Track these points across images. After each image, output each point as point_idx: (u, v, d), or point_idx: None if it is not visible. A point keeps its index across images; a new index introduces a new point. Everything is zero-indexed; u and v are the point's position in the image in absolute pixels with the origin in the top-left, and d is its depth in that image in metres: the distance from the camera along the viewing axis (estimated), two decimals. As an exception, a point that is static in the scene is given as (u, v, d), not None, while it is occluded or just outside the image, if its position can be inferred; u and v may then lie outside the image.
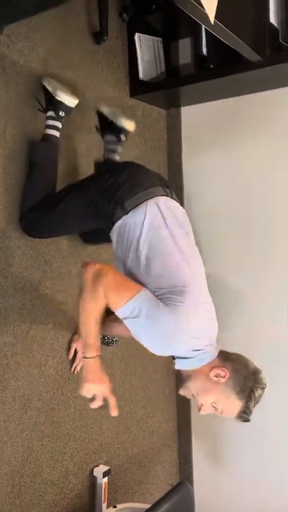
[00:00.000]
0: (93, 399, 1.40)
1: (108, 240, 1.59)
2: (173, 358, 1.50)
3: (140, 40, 2.23)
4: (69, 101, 1.74)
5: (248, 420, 1.48)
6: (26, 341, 1.81)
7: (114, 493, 2.23)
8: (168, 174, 2.55)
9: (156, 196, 1.50)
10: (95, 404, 1.33)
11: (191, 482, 2.72)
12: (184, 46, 2.43)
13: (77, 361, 1.97)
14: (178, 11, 1.38)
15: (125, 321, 1.39)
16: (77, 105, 1.81)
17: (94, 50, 2.05)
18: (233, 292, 2.39)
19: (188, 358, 1.44)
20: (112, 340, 2.05)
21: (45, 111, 1.76)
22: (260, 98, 2.25)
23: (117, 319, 1.44)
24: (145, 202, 1.47)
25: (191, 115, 2.49)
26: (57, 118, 1.75)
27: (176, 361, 1.48)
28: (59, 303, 1.94)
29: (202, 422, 2.66)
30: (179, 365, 1.47)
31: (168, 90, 2.28)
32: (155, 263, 1.41)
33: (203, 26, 1.58)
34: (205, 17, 1.37)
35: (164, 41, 2.37)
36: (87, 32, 2.00)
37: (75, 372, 1.91)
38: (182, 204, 1.64)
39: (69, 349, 1.98)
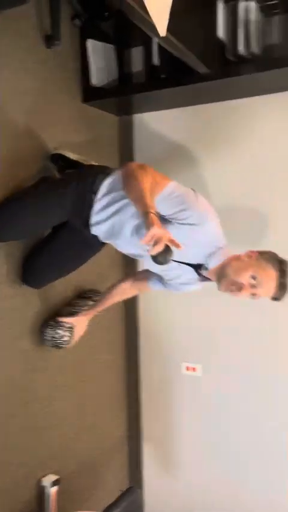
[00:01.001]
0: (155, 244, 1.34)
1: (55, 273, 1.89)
2: (201, 268, 1.65)
3: (92, 46, 2.23)
4: None
5: (286, 290, 1.58)
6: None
7: (64, 502, 2.20)
8: (120, 180, 2.56)
9: None
10: (157, 249, 1.29)
11: (141, 487, 2.74)
12: (136, 54, 2.45)
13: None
14: (130, 19, 1.39)
15: (169, 200, 1.55)
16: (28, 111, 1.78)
17: (45, 54, 2.03)
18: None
19: (215, 253, 1.61)
20: (63, 341, 2.02)
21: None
22: (210, 108, 2.32)
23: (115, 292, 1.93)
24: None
25: (143, 122, 2.52)
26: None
27: (209, 261, 1.63)
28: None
29: (152, 427, 2.69)
30: (212, 263, 1.62)
31: (120, 97, 2.29)
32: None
33: (154, 37, 1.61)
34: (155, 29, 1.40)
35: (117, 48, 2.39)
36: (38, 36, 1.98)
37: None
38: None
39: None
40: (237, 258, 1.62)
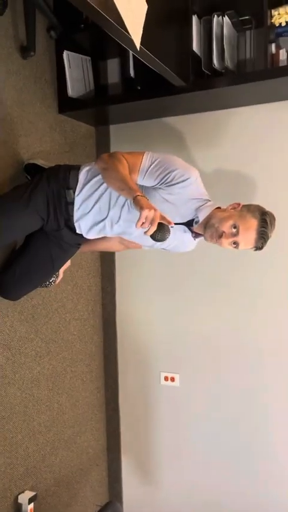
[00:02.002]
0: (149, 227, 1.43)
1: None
2: (192, 223, 1.71)
3: (68, 58, 2.24)
4: None
5: (266, 238, 1.64)
6: None
7: (41, 519, 2.15)
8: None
9: None
10: (151, 229, 1.38)
11: (121, 501, 2.70)
12: (112, 66, 2.47)
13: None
14: (106, 32, 1.41)
15: (150, 173, 1.62)
16: (2, 120, 1.75)
17: (21, 65, 2.02)
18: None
19: (203, 206, 1.69)
20: (49, 281, 2.00)
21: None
22: (185, 119, 2.35)
23: (102, 238, 1.86)
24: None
25: (119, 133, 2.53)
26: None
27: (199, 214, 1.70)
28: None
29: (131, 440, 2.67)
30: (201, 216, 1.69)
31: (96, 108, 2.30)
32: None
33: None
34: (131, 42, 1.42)
35: (93, 60, 2.40)
36: (14, 46, 1.98)
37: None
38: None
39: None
40: (222, 209, 1.71)
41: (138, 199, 1.42)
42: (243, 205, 1.70)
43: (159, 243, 1.51)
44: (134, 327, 2.59)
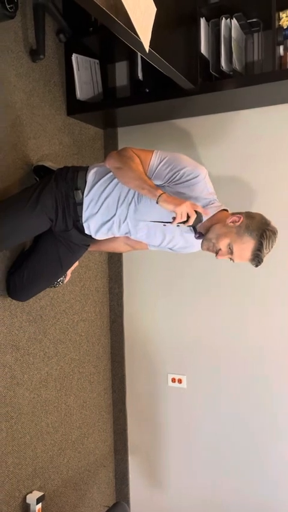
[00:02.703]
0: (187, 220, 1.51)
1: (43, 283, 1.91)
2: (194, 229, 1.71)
3: (77, 61, 2.26)
4: None
5: (260, 260, 1.63)
6: None
7: (48, 520, 2.16)
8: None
9: None
10: (190, 221, 1.47)
11: (128, 502, 2.70)
12: (121, 69, 2.49)
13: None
14: (115, 35, 1.42)
15: (158, 171, 1.64)
16: (12, 123, 1.77)
17: (30, 68, 2.04)
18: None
19: (209, 206, 1.68)
20: (57, 281, 2.02)
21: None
22: (193, 122, 2.36)
23: (108, 239, 1.86)
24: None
25: (127, 135, 2.54)
26: None
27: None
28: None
29: (139, 441, 2.67)
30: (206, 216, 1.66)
31: (104, 110, 2.32)
32: None
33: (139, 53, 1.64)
34: (140, 44, 1.43)
35: (102, 63, 2.42)
36: (23, 50, 2.00)
37: None
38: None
39: None
40: (223, 222, 1.67)
41: (164, 198, 1.48)
42: (246, 218, 1.64)
43: (165, 242, 1.56)
44: (141, 328, 2.60)
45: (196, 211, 1.48)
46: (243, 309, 2.31)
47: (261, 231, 1.61)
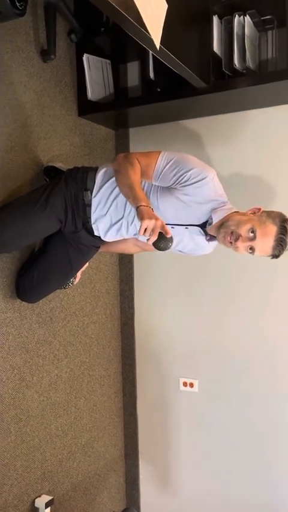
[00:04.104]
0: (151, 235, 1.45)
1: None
2: (206, 225, 1.67)
3: (88, 61, 2.24)
4: None
5: (284, 245, 1.57)
6: None
7: (57, 524, 2.14)
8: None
9: None
10: (151, 239, 1.42)
11: (138, 507, 2.67)
12: (132, 69, 2.47)
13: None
14: (126, 35, 1.40)
15: (165, 174, 1.61)
16: (23, 123, 1.76)
17: (41, 68, 2.03)
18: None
19: (219, 208, 1.65)
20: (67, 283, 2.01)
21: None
22: (205, 121, 2.32)
23: (118, 240, 1.82)
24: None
25: (139, 135, 2.52)
26: None
27: (213, 215, 1.65)
28: None
29: (149, 446, 2.63)
30: (216, 217, 1.64)
31: (116, 111, 2.30)
32: None
33: (150, 51, 1.62)
34: (151, 42, 1.40)
35: (113, 63, 2.40)
36: (34, 50, 1.99)
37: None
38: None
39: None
40: (241, 213, 1.65)
41: (140, 209, 1.43)
42: (264, 211, 1.64)
43: (167, 249, 1.50)
44: (152, 331, 2.56)
45: (162, 234, 1.41)
46: (257, 312, 2.26)
47: (283, 217, 1.60)
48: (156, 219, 1.40)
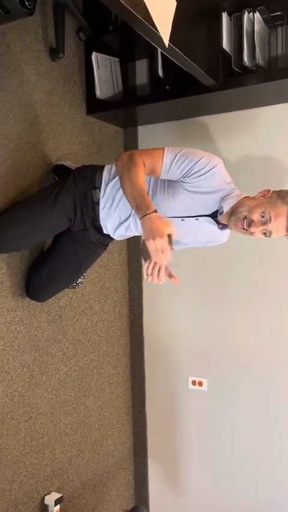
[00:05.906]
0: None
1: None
2: (217, 214, 1.66)
3: (97, 59, 2.24)
4: None
5: None
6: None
7: (67, 521, 2.15)
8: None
9: None
10: (155, 281, 1.46)
11: (147, 506, 2.67)
12: (141, 67, 2.46)
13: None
14: (135, 33, 1.39)
15: (172, 168, 1.59)
16: (32, 122, 1.76)
17: (50, 66, 2.03)
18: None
19: (229, 196, 1.64)
20: (76, 282, 2.02)
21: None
22: (214, 119, 2.31)
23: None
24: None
25: (147, 134, 2.51)
26: None
27: (223, 204, 1.64)
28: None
29: (158, 444, 2.63)
30: (226, 206, 1.63)
31: (124, 109, 2.29)
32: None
33: (159, 49, 1.61)
34: (160, 40, 1.40)
35: (121, 61, 2.40)
36: (43, 49, 1.99)
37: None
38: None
39: None
40: (251, 197, 1.63)
41: (147, 220, 1.40)
42: (273, 191, 1.62)
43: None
44: (161, 329, 2.56)
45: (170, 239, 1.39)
46: (266, 311, 2.25)
47: None
48: (159, 234, 1.36)
